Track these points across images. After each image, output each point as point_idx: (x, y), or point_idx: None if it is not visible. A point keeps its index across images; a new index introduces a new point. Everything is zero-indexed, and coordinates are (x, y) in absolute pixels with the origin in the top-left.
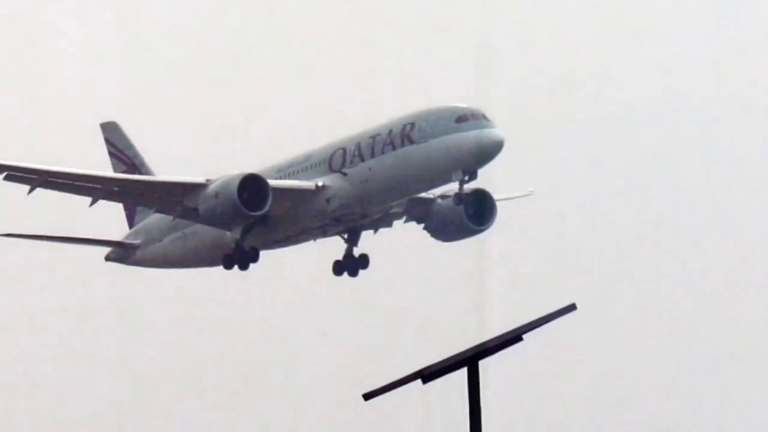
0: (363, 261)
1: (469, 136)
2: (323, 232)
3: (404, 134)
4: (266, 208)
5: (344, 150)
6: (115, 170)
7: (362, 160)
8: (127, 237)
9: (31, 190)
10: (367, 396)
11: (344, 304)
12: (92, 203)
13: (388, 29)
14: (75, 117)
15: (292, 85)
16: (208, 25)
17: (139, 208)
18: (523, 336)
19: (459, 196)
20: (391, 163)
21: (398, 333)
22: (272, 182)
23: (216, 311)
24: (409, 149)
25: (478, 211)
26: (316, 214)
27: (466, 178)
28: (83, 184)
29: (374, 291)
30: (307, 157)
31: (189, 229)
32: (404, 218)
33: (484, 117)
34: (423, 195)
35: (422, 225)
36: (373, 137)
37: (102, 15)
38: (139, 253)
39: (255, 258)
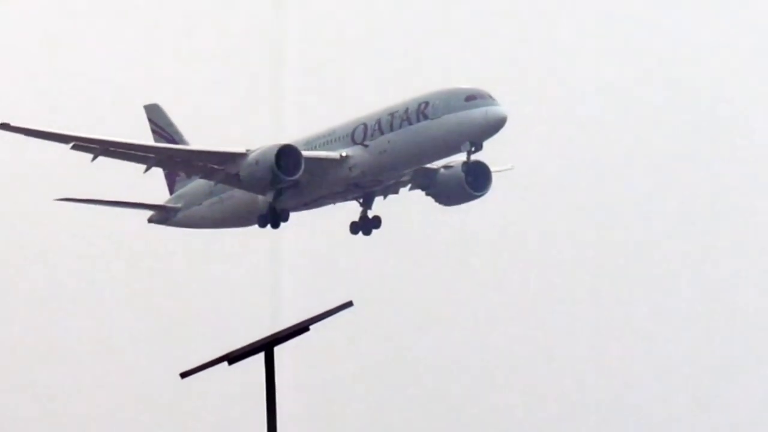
0: (376, 222)
1: (478, 112)
2: (343, 196)
3: (419, 111)
4: (299, 174)
5: (365, 125)
6: None
7: (382, 133)
8: (169, 201)
9: (94, 158)
10: (184, 375)
11: (359, 259)
12: (146, 170)
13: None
14: (122, 101)
15: (313, 73)
16: (233, 21)
17: (178, 177)
18: (310, 327)
19: (467, 164)
20: (407, 136)
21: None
22: (303, 152)
23: (250, 266)
24: (425, 124)
25: (476, 179)
26: (340, 180)
27: (473, 149)
28: (140, 153)
29: (386, 247)
30: (332, 132)
31: (225, 194)
32: (409, 186)
33: (490, 97)
34: (428, 166)
35: (426, 191)
36: (392, 114)
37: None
38: (180, 216)
39: (286, 218)
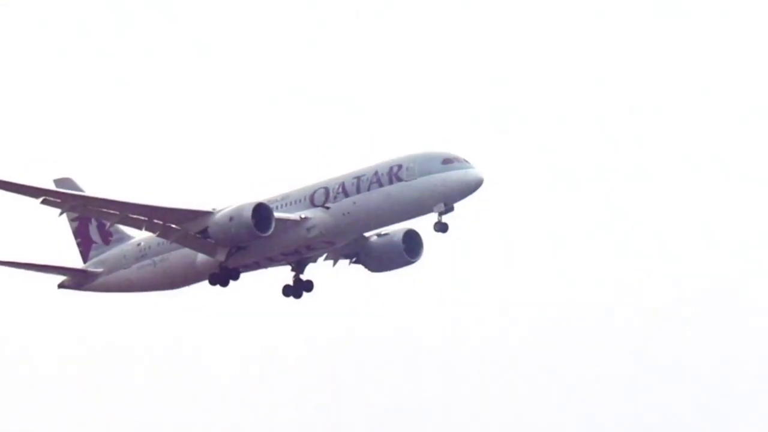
0: (309, 285)
1: (457, 174)
2: (287, 258)
3: (392, 174)
4: (270, 232)
5: (326, 189)
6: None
7: (346, 196)
8: (87, 267)
9: (61, 213)
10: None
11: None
12: (109, 226)
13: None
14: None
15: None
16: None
17: (94, 245)
18: None
19: (440, 224)
20: (377, 198)
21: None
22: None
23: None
24: (399, 185)
25: (409, 246)
26: (295, 241)
27: (446, 210)
28: (109, 210)
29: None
30: (286, 196)
31: (158, 258)
32: (325, 256)
33: (466, 160)
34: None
35: (352, 260)
36: (358, 177)
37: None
38: (100, 281)
39: (236, 276)
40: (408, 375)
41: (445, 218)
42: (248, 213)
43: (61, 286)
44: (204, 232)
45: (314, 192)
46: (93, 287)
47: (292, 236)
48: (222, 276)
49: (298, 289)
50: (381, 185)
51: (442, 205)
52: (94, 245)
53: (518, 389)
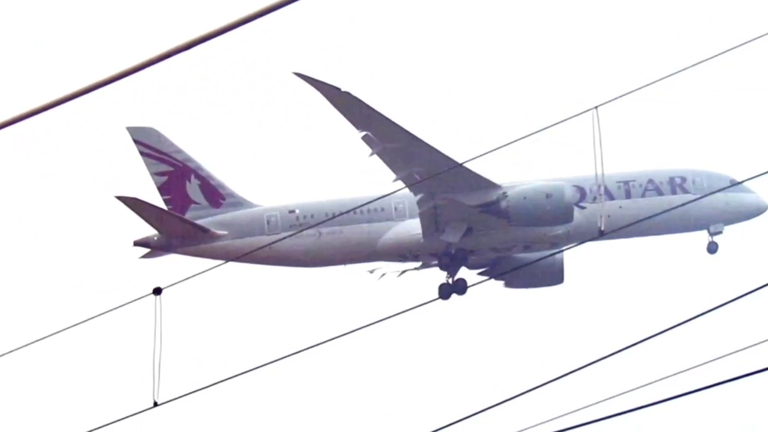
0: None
1: (749, 198)
2: (500, 252)
3: (674, 184)
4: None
5: (580, 188)
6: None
7: (610, 198)
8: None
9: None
10: None
11: None
12: None
13: None
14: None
15: None
16: None
17: (192, 205)
18: None
19: (713, 244)
20: (654, 206)
21: None
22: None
23: None
24: (682, 197)
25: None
26: (537, 236)
27: (719, 231)
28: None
29: None
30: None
31: (327, 230)
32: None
33: (749, 188)
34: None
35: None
36: (625, 182)
37: None
38: (220, 244)
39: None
40: None
41: (716, 238)
42: (570, 193)
43: (139, 243)
44: (488, 206)
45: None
46: (201, 252)
47: (538, 230)
48: (453, 261)
49: (452, 289)
50: (660, 193)
51: (721, 224)
52: (192, 206)
53: None
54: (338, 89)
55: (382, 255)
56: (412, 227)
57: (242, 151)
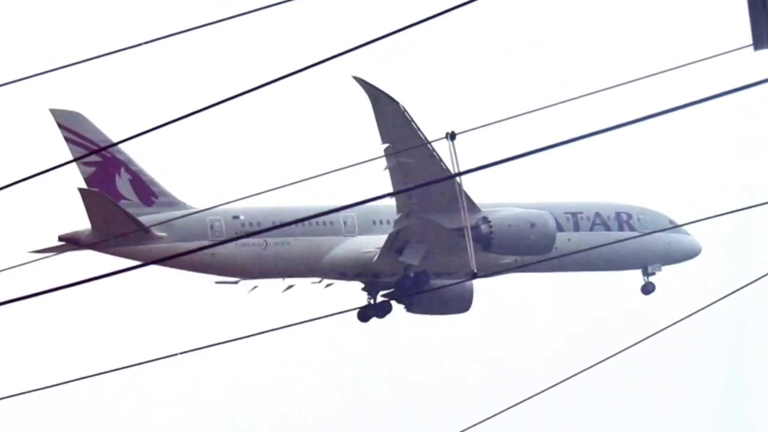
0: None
1: (688, 240)
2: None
3: (621, 220)
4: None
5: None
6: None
7: (560, 230)
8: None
9: None
10: None
11: None
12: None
13: None
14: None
15: None
16: None
17: (122, 202)
18: None
19: (649, 285)
20: (601, 240)
21: None
22: None
23: None
24: (629, 234)
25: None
26: (485, 262)
27: (655, 272)
28: None
29: None
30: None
31: (276, 240)
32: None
33: (686, 230)
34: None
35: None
36: (573, 214)
37: None
38: (159, 246)
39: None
40: None
41: (652, 279)
42: (553, 224)
43: (65, 239)
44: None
45: None
46: (135, 253)
47: (494, 256)
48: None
49: (374, 311)
50: (608, 229)
51: (659, 265)
52: (122, 202)
53: None
54: (396, 102)
55: (327, 271)
56: (363, 244)
57: (178, 149)
